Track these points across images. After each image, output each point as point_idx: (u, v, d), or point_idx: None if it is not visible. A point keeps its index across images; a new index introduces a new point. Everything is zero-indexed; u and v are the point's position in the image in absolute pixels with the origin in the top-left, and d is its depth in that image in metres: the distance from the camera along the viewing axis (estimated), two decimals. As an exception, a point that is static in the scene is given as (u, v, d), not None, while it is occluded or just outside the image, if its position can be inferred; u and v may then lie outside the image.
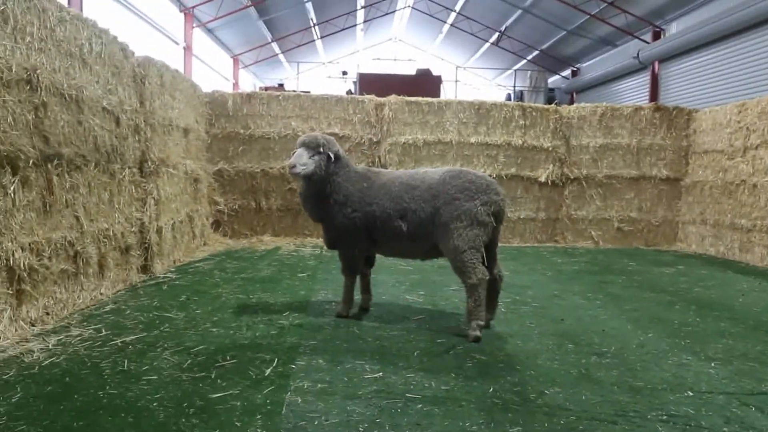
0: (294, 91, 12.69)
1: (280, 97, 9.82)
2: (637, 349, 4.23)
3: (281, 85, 24.51)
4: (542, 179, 10.14)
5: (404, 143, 9.85)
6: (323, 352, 3.94)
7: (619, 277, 7.13)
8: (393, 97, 10.00)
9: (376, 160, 9.86)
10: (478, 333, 4.25)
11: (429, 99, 10.11)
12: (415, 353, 3.97)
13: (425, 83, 16.37)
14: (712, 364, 3.91)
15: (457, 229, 4.30)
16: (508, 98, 26.59)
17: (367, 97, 10.07)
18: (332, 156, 4.57)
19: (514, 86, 26.67)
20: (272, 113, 9.75)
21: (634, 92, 19.97)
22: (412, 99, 10.00)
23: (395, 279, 6.60)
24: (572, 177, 10.21)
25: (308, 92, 11.55)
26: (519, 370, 3.70)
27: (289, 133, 9.69)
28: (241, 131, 9.65)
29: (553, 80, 27.76)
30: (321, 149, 4.55)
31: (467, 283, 4.30)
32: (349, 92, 20.28)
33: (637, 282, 6.87)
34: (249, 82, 30.11)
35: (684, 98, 16.13)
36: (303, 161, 4.50)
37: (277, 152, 9.68)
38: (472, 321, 4.30)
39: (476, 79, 32.75)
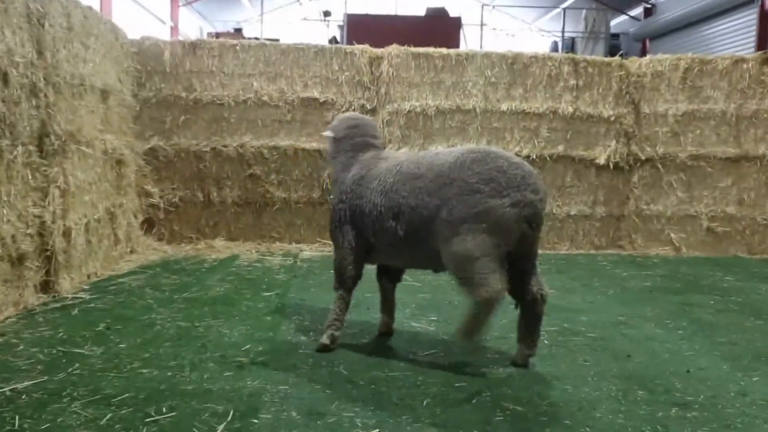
0: (257, 38, 12.71)
1: (238, 48, 9.81)
2: (736, 397, 4.23)
3: (239, 31, 24.51)
4: (601, 161, 10.14)
5: (409, 111, 9.85)
6: (297, 401, 3.93)
7: (711, 297, 7.13)
8: (394, 48, 9.99)
9: (371, 134, 9.85)
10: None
11: (444, 50, 10.10)
12: (425, 402, 3.98)
13: (439, 28, 16.37)
14: (841, 418, 3.91)
15: (471, 231, 4.33)
16: (555, 48, 26.63)
17: (358, 47, 10.05)
18: (331, 137, 5.40)
19: (563, 32, 26.67)
20: (226, 70, 9.74)
21: (733, 38, 19.96)
22: (421, 50, 9.99)
23: (398, 299, 6.57)
24: (643, 158, 10.19)
25: (276, 40, 11.51)
26: (569, 427, 3.70)
27: (250, 97, 9.68)
28: (183, 94, 9.64)
29: (617, 22, 27.76)
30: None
31: (476, 300, 4.34)
32: (333, 41, 20.30)
33: (735, 305, 6.85)
34: (194, 26, 30.13)
35: (802, 47, 16.12)
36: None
37: (233, 124, 9.68)
38: (462, 335, 4.48)
39: (510, 22, 32.76)
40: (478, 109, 9.97)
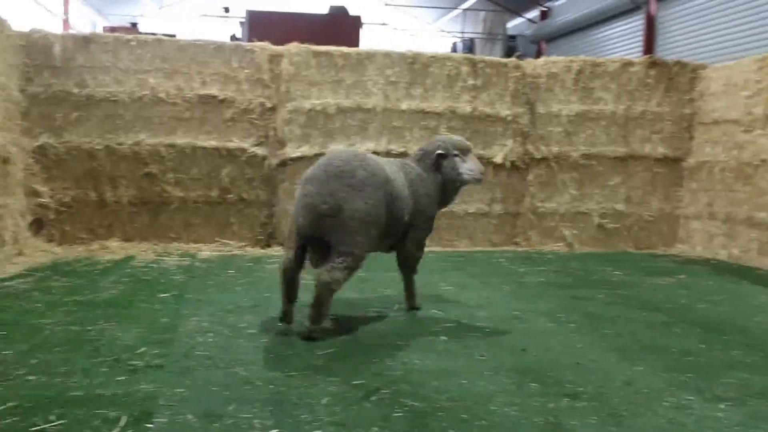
0: (153, 34, 12.40)
1: (133, 43, 9.57)
2: (623, 387, 4.39)
3: (134, 25, 23.91)
4: (498, 160, 10.38)
5: (310, 110, 9.83)
6: (194, 404, 3.87)
7: (600, 291, 7.39)
8: (294, 46, 9.95)
9: (271, 133, 9.79)
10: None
11: (345, 49, 10.14)
12: (324, 401, 3.98)
13: (339, 27, 16.42)
14: (721, 406, 4.11)
15: None
16: (455, 49, 27.06)
17: (258, 45, 9.97)
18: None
19: (463, 33, 27.14)
20: (121, 65, 9.48)
21: (623, 42, 20.77)
22: (322, 49, 9.99)
23: (297, 300, 6.57)
24: (539, 157, 10.50)
25: (173, 36, 11.29)
26: (466, 421, 3.77)
27: (146, 94, 9.45)
28: (75, 90, 9.34)
29: (514, 24, 28.44)
30: None
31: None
32: (233, 38, 20.06)
33: (623, 298, 7.14)
34: (86, 20, 29.18)
35: (689, 50, 16.89)
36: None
37: (128, 121, 9.43)
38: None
39: (410, 21, 33.12)
40: (378, 108, 10.04)
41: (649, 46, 18.87)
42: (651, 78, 10.76)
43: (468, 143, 6.25)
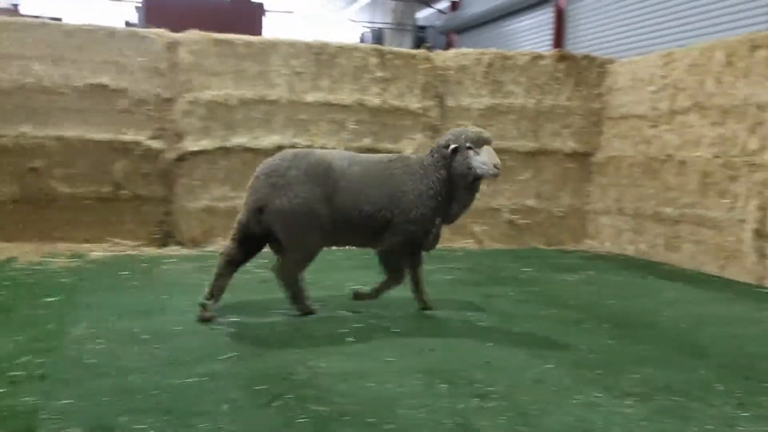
0: (37, 17, 11.97)
1: (15, 26, 9.21)
2: (532, 386, 4.48)
3: (15, 7, 23.05)
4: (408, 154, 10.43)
5: (210, 101, 9.66)
6: (81, 416, 3.75)
7: (510, 288, 7.53)
8: (193, 34, 9.76)
9: (168, 125, 9.58)
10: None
11: (247, 37, 10.01)
12: (224, 408, 3.92)
13: (241, 15, 16.26)
14: (628, 402, 4.24)
15: None
16: (363, 39, 27.13)
17: (154, 31, 9.74)
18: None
19: (372, 22, 27.23)
20: (1, 50, 9.11)
21: (533, 35, 21.21)
22: (223, 37, 9.84)
23: (196, 301, 6.45)
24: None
25: (59, 20, 10.92)
26: (373, 425, 3.77)
27: (30, 82, 9.10)
28: (-51, 78, 8.94)
29: (424, 15, 28.69)
30: None
31: None
32: (127, 24, 19.56)
33: (533, 295, 7.29)
34: (-36, 2, 27.91)
35: (598, 44, 17.37)
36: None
37: (10, 111, 9.05)
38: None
39: (317, 10, 33.04)
40: (283, 100, 9.96)
41: (558, 39, 19.32)
42: (560, 72, 11.01)
43: (485, 135, 5.96)
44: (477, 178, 5.92)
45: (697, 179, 9.05)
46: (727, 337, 5.82)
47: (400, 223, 5.97)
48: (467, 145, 5.81)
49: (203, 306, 5.81)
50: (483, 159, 5.78)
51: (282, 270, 6.02)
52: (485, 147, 5.83)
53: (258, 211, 5.82)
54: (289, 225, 5.80)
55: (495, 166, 5.77)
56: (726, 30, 12.51)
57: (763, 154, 8.13)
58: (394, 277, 6.30)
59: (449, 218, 6.25)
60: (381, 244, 6.15)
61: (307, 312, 6.05)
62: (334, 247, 6.64)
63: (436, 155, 5.97)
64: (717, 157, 8.76)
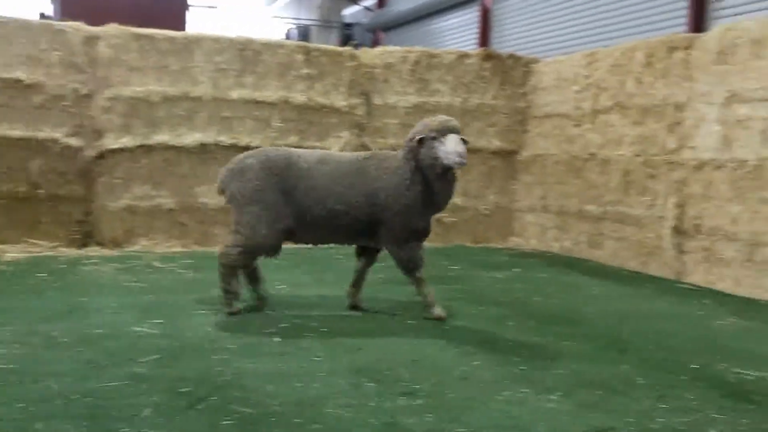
0: (-54, 9, 11.55)
1: None
2: (459, 383, 4.53)
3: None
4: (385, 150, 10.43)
5: (131, 98, 9.49)
6: (-5, 424, 3.65)
7: (438, 286, 7.57)
8: (113, 28, 9.58)
9: (87, 122, 9.37)
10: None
11: (169, 32, 9.87)
12: (146, 412, 3.86)
13: (163, 9, 15.95)
14: (553, 397, 4.33)
15: None
16: (289, 36, 26.98)
17: (70, 24, 9.53)
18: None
19: (298, 19, 27.11)
20: None
21: (459, 33, 21.42)
22: (144, 31, 9.68)
23: (118, 302, 6.36)
24: (376, 149, 10.62)
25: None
26: (299, 425, 3.76)
27: (-62, 76, 8.80)
28: None
29: (351, 12, 28.70)
30: (462, 135, 5.84)
31: None
32: (42, 16, 19.01)
33: (460, 292, 7.39)
34: None
35: (523, 44, 17.65)
36: (464, 149, 5.69)
37: None
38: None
39: (242, 5, 32.73)
40: (206, 97, 9.86)
41: (484, 38, 19.56)
42: (486, 71, 11.17)
43: (450, 123, 5.80)
44: (444, 169, 5.75)
45: (619, 177, 9.29)
46: (649, 331, 5.99)
47: (390, 218, 5.97)
48: (431, 135, 5.70)
49: (232, 301, 6.13)
50: (447, 148, 5.64)
51: (222, 254, 6.01)
52: (450, 135, 5.67)
53: (222, 194, 6.13)
54: (239, 209, 5.97)
55: (459, 155, 5.61)
56: (647, 31, 12.87)
57: (681, 152, 8.40)
58: (412, 279, 6.20)
59: (434, 208, 6.10)
60: (381, 242, 6.18)
61: (230, 312, 6.08)
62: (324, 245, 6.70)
63: (406, 148, 5.93)
64: (638, 155, 9.01)
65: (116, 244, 9.40)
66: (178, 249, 9.58)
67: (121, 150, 9.40)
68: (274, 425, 3.76)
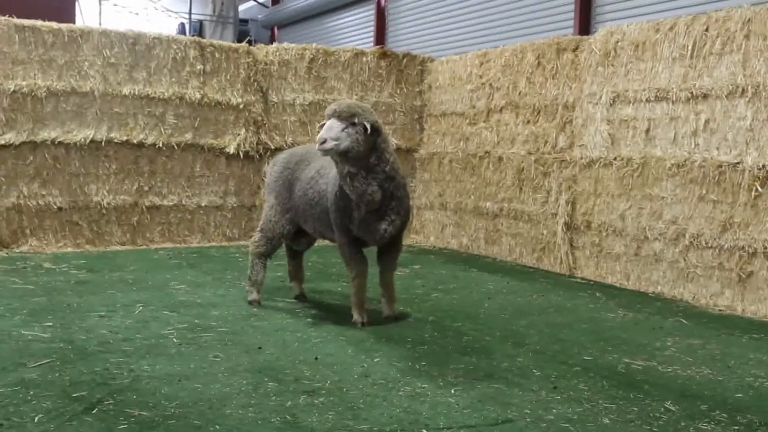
0: None
1: None
2: (359, 380, 4.57)
3: None
4: (231, 150, 10.33)
5: (15, 92, 9.13)
6: None
7: (338, 284, 7.63)
8: (-6, 18, 9.21)
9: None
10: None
11: (54, 24, 9.53)
12: (36, 418, 3.75)
13: (49, 1, 15.39)
14: (452, 391, 4.42)
15: None
16: (182, 31, 26.47)
17: (-54, 14, 9.11)
18: (369, 127, 5.36)
19: (190, 14, 26.62)
20: None
21: (355, 31, 21.46)
22: (27, 22, 9.33)
23: (4, 305, 6.14)
24: (273, 147, 10.57)
25: None
26: (199, 427, 3.72)
27: None
28: None
29: (246, 8, 28.40)
30: (356, 119, 5.36)
31: None
32: None
33: (360, 289, 7.43)
34: None
35: (418, 42, 17.82)
36: (334, 134, 5.31)
37: None
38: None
39: (134, -1, 31.91)
40: (96, 92, 9.59)
41: (380, 37, 19.66)
42: (382, 69, 11.25)
43: (331, 107, 5.51)
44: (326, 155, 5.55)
45: (513, 175, 9.51)
46: (543, 325, 6.16)
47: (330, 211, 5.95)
48: (322, 122, 5.53)
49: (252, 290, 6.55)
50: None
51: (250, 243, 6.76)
52: (326, 122, 5.46)
53: None
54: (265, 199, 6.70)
55: (319, 140, 5.34)
56: (537, 33, 13.18)
57: (572, 151, 8.67)
58: (348, 271, 6.13)
59: (358, 204, 5.66)
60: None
61: (248, 300, 6.54)
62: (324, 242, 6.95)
63: None
64: (530, 153, 9.25)
65: (2, 244, 9.03)
66: (70, 249, 9.30)
67: (5, 146, 9.03)
68: (172, 428, 3.71)
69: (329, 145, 5.30)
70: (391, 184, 5.64)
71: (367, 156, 5.46)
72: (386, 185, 5.61)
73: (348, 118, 5.37)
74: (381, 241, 5.91)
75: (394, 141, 11.18)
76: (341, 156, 5.39)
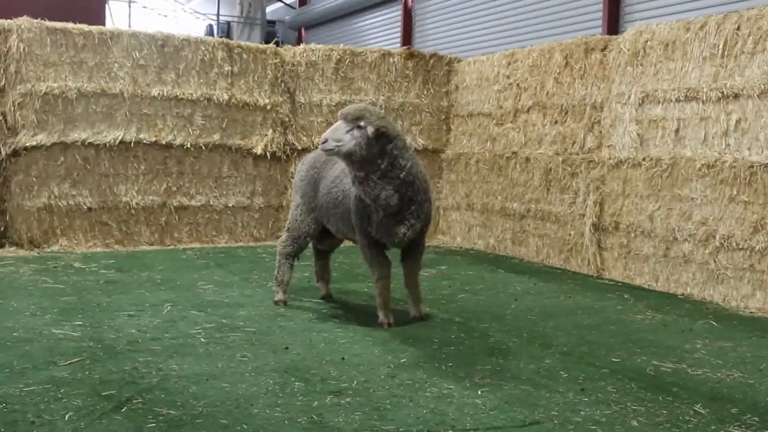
0: None
1: None
2: (386, 380, 4.56)
3: None
4: (258, 151, 10.38)
5: (46, 94, 9.22)
6: None
7: (365, 285, 7.62)
8: (25, 21, 9.29)
9: (0, 119, 9.08)
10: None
11: (85, 27, 9.62)
12: (67, 416, 3.78)
13: (80, 3, 15.55)
14: (479, 392, 4.39)
15: None
16: (210, 32, 26.66)
17: (-22, 17, 9.23)
18: (371, 132, 5.30)
19: (218, 15, 26.79)
20: None
21: (382, 32, 21.49)
22: (58, 25, 9.43)
23: (36, 304, 6.20)
24: (300, 148, 10.61)
25: None
26: (226, 426, 3.74)
27: None
28: None
29: (273, 9, 28.51)
30: (361, 122, 5.32)
31: None
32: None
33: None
34: None
35: (445, 43, 17.81)
36: (338, 136, 5.31)
37: None
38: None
39: (162, 1, 32.16)
40: (126, 94, 9.66)
41: (407, 37, 19.67)
42: (409, 69, 11.24)
43: (343, 110, 5.51)
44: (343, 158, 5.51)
45: (541, 176, 9.47)
46: (571, 326, 6.12)
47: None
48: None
49: (279, 290, 6.60)
50: None
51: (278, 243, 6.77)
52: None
53: None
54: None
55: (321, 139, 5.40)
56: (565, 33, 13.12)
57: (600, 151, 8.61)
58: (371, 274, 6.11)
59: (374, 206, 5.63)
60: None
61: (275, 301, 6.56)
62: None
63: None
64: (558, 154, 9.20)
65: (34, 244, 9.15)
66: (100, 249, 9.40)
67: (37, 147, 9.13)
68: (200, 427, 3.73)
69: (330, 145, 5.31)
70: (409, 189, 5.58)
71: (374, 161, 5.40)
72: (403, 190, 5.54)
73: (354, 120, 5.36)
74: (400, 245, 5.89)
75: (420, 141, 11.21)
76: (346, 159, 5.41)
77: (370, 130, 5.32)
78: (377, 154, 5.39)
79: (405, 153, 5.59)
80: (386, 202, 5.50)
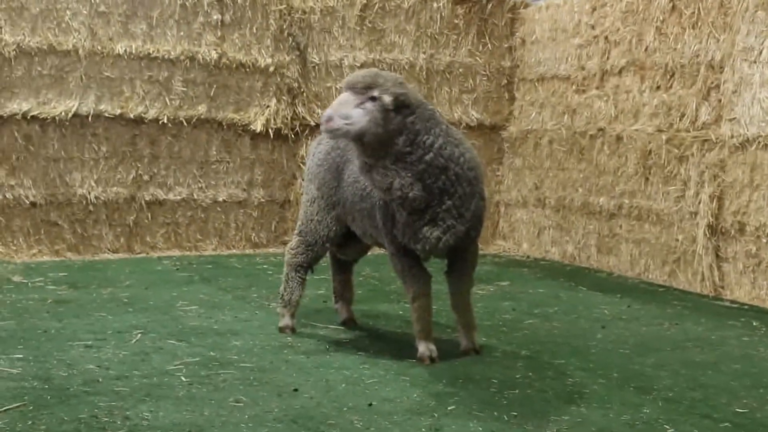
0: None
1: None
2: (428, 433, 4.53)
3: None
4: (257, 127, 10.40)
5: (-27, 50, 9.35)
6: None
7: (400, 306, 7.60)
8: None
9: None
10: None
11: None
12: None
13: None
14: (554, 451, 4.38)
15: None
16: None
17: None
18: (389, 101, 5.25)
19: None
20: None
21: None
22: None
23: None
24: (313, 123, 10.59)
25: None
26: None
27: None
28: None
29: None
30: (375, 92, 5.27)
31: None
32: None
33: (436, 314, 7.37)
34: None
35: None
36: (346, 112, 5.25)
37: None
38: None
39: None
40: (81, 51, 9.73)
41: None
42: (459, 18, 11.19)
43: (349, 78, 5.55)
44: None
45: (637, 161, 9.39)
46: (678, 364, 6.06)
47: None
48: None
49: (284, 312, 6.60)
50: None
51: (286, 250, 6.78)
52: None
53: None
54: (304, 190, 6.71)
55: (323, 119, 5.34)
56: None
57: (719, 127, 8.50)
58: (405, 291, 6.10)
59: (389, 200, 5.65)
60: None
61: (281, 327, 6.58)
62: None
63: None
64: (661, 131, 9.11)
65: (-42, 251, 9.27)
66: (47, 257, 9.48)
67: (-39, 123, 9.28)
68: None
69: (336, 123, 5.25)
70: (440, 178, 5.46)
71: (392, 140, 5.36)
72: (431, 179, 5.43)
73: (364, 89, 5.32)
74: (435, 254, 5.80)
75: (473, 115, 11.17)
76: (356, 141, 5.37)
77: (386, 99, 5.27)
78: (396, 130, 5.33)
79: (433, 128, 5.48)
80: (404, 194, 5.40)
